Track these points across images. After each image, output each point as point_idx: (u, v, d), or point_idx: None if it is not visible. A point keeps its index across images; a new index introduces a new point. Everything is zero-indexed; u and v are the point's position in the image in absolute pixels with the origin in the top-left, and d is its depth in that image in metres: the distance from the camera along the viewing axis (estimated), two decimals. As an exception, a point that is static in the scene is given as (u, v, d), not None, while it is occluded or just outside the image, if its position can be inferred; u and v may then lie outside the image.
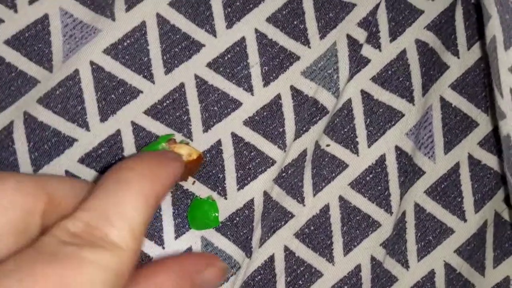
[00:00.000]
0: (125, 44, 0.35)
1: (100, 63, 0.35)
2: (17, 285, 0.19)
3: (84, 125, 0.35)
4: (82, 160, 0.35)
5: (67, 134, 0.35)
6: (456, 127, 0.39)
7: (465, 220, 0.39)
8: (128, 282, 0.22)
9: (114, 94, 0.35)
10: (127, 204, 0.22)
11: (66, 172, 0.35)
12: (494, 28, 0.33)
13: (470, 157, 0.39)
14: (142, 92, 0.35)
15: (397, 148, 0.38)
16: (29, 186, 0.23)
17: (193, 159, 0.33)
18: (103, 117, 0.35)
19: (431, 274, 0.38)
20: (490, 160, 0.40)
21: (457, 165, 0.39)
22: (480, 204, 0.39)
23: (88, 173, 0.35)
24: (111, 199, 0.23)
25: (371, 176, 0.38)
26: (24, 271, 0.20)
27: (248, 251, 0.36)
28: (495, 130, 0.40)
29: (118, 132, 0.35)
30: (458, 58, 0.40)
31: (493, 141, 0.40)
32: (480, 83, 0.40)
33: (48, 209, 0.23)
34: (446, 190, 0.39)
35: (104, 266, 0.21)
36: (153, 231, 0.35)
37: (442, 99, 0.39)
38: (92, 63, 0.35)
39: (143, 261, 0.35)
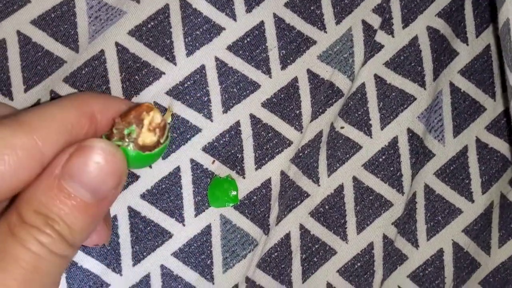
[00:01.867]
0: (149, 26, 0.36)
1: (125, 44, 0.36)
2: None
3: (108, 104, 0.36)
4: (105, 139, 0.36)
5: (91, 113, 0.35)
6: (465, 111, 0.41)
7: (473, 201, 0.40)
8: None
9: (137, 75, 0.36)
10: None
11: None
12: (508, 11, 0.34)
13: (478, 140, 0.41)
14: (164, 73, 0.36)
15: (409, 131, 0.39)
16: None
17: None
18: (127, 97, 0.36)
19: (440, 252, 0.40)
20: (496, 143, 0.41)
21: (465, 148, 0.41)
22: (487, 185, 0.40)
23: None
24: None
25: (383, 157, 0.39)
26: None
27: (265, 228, 0.37)
28: (503, 114, 0.41)
29: (140, 112, 0.36)
30: (467, 45, 0.41)
31: (500, 126, 0.41)
32: (488, 70, 0.41)
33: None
34: (454, 172, 0.40)
35: None
36: (174, 209, 0.36)
37: (451, 84, 0.41)
38: (117, 44, 0.36)
39: (164, 238, 0.36)
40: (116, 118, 0.27)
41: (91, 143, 0.24)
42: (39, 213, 0.23)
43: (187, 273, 0.36)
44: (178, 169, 0.36)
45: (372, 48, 0.39)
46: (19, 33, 0.35)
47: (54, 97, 0.35)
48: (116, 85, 0.36)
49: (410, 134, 0.39)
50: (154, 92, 0.36)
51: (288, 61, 0.38)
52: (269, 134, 0.37)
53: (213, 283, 0.36)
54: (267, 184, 0.37)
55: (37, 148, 0.23)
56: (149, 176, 0.36)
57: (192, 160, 0.36)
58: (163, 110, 0.36)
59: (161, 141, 0.28)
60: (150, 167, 0.36)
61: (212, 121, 0.37)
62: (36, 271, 0.22)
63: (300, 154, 0.38)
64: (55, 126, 0.24)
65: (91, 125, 0.26)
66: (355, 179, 0.39)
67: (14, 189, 0.23)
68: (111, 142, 0.26)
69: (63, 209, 0.23)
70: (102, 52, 0.36)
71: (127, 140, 0.27)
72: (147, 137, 0.27)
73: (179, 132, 0.36)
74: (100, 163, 0.24)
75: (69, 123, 0.24)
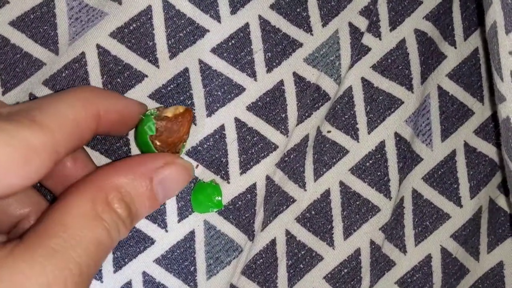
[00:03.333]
0: (131, 28, 0.35)
1: (107, 46, 0.35)
2: None
3: (89, 108, 0.35)
4: (87, 143, 0.34)
5: (72, 116, 0.34)
6: (453, 115, 0.40)
7: (461, 206, 0.39)
8: (85, 182, 0.25)
9: (119, 78, 0.35)
10: (62, 101, 0.25)
11: (71, 154, 0.34)
12: (495, 13, 0.34)
13: (466, 144, 0.40)
14: (147, 76, 0.35)
15: (397, 135, 0.38)
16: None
17: (180, 112, 0.33)
18: None
19: (428, 258, 0.39)
20: (485, 147, 0.40)
21: (454, 153, 0.40)
22: (475, 190, 0.40)
23: (93, 156, 0.34)
24: (52, 96, 0.26)
25: (371, 162, 0.38)
26: None
27: (250, 234, 0.36)
28: (491, 118, 0.40)
29: (122, 116, 0.35)
30: (455, 48, 0.40)
31: (488, 129, 0.40)
32: (476, 73, 0.40)
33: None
34: (442, 177, 0.39)
35: (21, 140, 0.23)
36: (156, 214, 0.35)
37: (439, 88, 0.40)
38: (98, 46, 0.35)
39: (146, 244, 0.34)
40: (184, 136, 0.33)
41: (181, 161, 0.28)
42: (125, 203, 0.25)
43: (170, 280, 0.35)
44: (161, 174, 0.35)
45: (359, 51, 0.38)
46: None
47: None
48: (97, 88, 0.35)
49: (398, 138, 0.38)
50: (136, 95, 0.35)
51: (274, 64, 0.37)
52: (254, 138, 0.36)
53: (197, 291, 0.35)
54: (252, 189, 0.36)
55: (55, 149, 0.24)
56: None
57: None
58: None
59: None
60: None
61: (195, 125, 0.36)
62: (106, 253, 0.25)
63: (286, 159, 0.37)
64: (69, 127, 0.24)
65: (96, 125, 0.26)
66: (342, 184, 0.38)
67: (31, 183, 0.24)
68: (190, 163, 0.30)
69: (145, 206, 0.26)
70: (82, 54, 0.34)
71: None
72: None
73: (162, 136, 0.35)
74: (183, 178, 0.28)
75: (80, 124, 0.25)
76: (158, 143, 0.32)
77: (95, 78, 0.35)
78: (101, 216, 0.24)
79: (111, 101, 0.28)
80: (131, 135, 0.35)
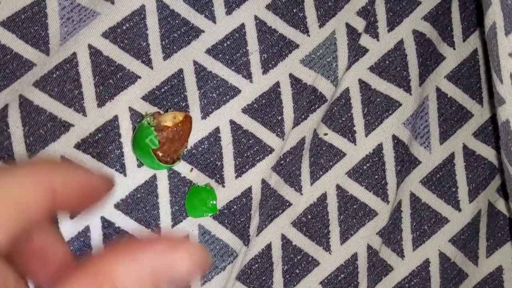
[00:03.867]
0: (124, 28, 0.34)
1: (99, 46, 0.34)
2: None
3: (81, 110, 0.34)
4: (78, 146, 0.34)
5: (63, 118, 0.33)
6: (452, 117, 0.39)
7: (460, 210, 0.39)
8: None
9: (112, 79, 0.34)
10: None
11: (62, 157, 0.33)
12: (494, 14, 0.33)
13: (465, 147, 0.39)
14: (140, 77, 0.34)
15: (394, 137, 0.38)
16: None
17: (180, 120, 0.32)
18: (101, 102, 0.34)
19: (426, 263, 0.38)
20: (484, 150, 0.39)
21: (452, 155, 0.39)
22: (474, 194, 0.39)
23: (85, 159, 0.34)
24: None
25: (368, 165, 0.37)
26: None
27: (245, 239, 0.35)
28: (490, 120, 0.40)
29: (115, 118, 0.34)
30: (454, 49, 0.39)
31: (487, 132, 0.39)
32: (475, 75, 0.40)
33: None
34: (441, 180, 0.39)
35: None
36: (150, 219, 0.34)
37: (438, 90, 0.39)
38: (90, 46, 0.34)
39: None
40: (185, 143, 0.33)
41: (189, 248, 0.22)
42: None
43: (164, 286, 0.34)
44: (154, 177, 0.34)
45: (357, 52, 0.37)
46: None
47: (23, 102, 0.33)
48: (89, 90, 0.34)
49: (395, 141, 0.38)
50: (129, 97, 0.34)
51: (270, 65, 0.36)
52: (250, 141, 0.35)
53: (191, 297, 0.34)
54: (247, 193, 0.35)
55: None
56: (124, 185, 0.34)
57: (170, 168, 0.34)
58: (139, 116, 0.34)
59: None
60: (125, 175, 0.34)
61: (190, 128, 0.35)
62: None
63: (282, 162, 0.36)
64: (12, 210, 0.21)
65: (50, 204, 0.22)
66: (338, 187, 0.37)
67: None
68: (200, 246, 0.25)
69: None
70: (74, 55, 0.33)
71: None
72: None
73: (156, 139, 0.34)
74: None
75: (27, 205, 0.21)
76: (160, 154, 0.32)
77: (87, 79, 0.34)
78: None
79: (70, 175, 0.23)
80: (123, 138, 0.34)
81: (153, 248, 0.21)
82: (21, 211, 0.21)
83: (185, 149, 0.34)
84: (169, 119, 0.32)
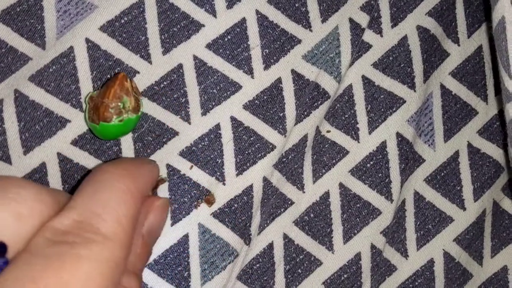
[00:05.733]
0: (123, 21, 0.32)
1: (96, 40, 0.32)
2: None
3: (78, 105, 0.32)
4: (75, 142, 0.32)
5: (60, 114, 0.32)
6: (456, 115, 0.37)
7: (464, 209, 0.37)
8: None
9: (110, 74, 0.32)
10: (111, 199, 0.22)
11: (59, 154, 0.32)
12: (503, 8, 0.31)
13: (470, 145, 0.37)
14: (138, 72, 0.32)
15: (398, 135, 0.36)
16: (47, 196, 0.22)
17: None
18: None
19: (430, 263, 0.36)
20: (489, 148, 0.38)
21: (457, 154, 0.37)
22: (479, 192, 0.37)
23: (82, 156, 0.32)
24: (95, 196, 0.22)
25: (371, 163, 0.35)
26: (23, 279, 0.19)
27: (246, 238, 0.33)
28: (495, 118, 0.38)
29: (113, 114, 0.32)
30: (459, 45, 0.37)
31: (493, 130, 0.38)
32: (480, 72, 0.38)
33: None
34: (445, 179, 0.37)
35: (98, 259, 0.20)
36: (149, 217, 0.32)
37: (442, 87, 0.37)
38: (87, 40, 0.32)
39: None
40: (104, 99, 0.29)
41: (159, 202, 0.26)
42: (132, 273, 0.23)
43: (163, 286, 0.32)
44: (153, 175, 0.32)
45: (360, 48, 0.36)
46: None
47: (18, 97, 0.31)
48: (86, 85, 0.32)
49: (399, 139, 0.36)
50: (128, 93, 0.32)
51: (272, 60, 0.34)
52: (251, 138, 0.34)
53: (190, 297, 0.32)
54: (248, 191, 0.33)
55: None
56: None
57: (168, 166, 0.32)
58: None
59: (140, 98, 0.31)
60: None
61: (190, 124, 0.33)
62: None
63: (284, 159, 0.34)
64: (130, 225, 0.23)
65: (20, 226, 0.22)
66: (341, 185, 0.35)
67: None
68: (165, 197, 0.28)
69: (145, 262, 0.25)
70: (71, 49, 0.32)
71: (124, 112, 0.30)
72: (133, 100, 0.30)
73: (154, 136, 0.32)
74: (164, 217, 0.26)
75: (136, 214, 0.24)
76: (94, 118, 0.30)
77: (84, 73, 0.32)
78: None
79: (146, 172, 0.26)
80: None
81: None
82: (134, 225, 0.23)
83: (119, 102, 0.30)
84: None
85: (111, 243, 0.21)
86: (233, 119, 0.33)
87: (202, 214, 0.33)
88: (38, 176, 0.31)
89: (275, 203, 0.34)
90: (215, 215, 0.33)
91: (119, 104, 0.30)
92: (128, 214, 0.23)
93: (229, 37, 0.34)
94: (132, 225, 0.23)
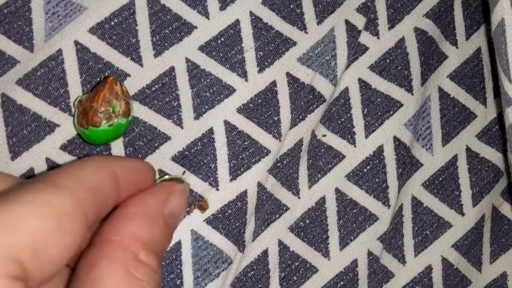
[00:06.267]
0: (112, 23, 0.31)
1: (86, 43, 0.31)
2: None
3: (67, 109, 0.31)
4: (64, 147, 0.31)
5: (48, 118, 0.30)
6: (454, 118, 0.36)
7: (463, 214, 0.36)
8: (109, 244, 0.22)
9: (99, 77, 0.31)
10: (82, 166, 0.22)
11: (47, 159, 0.30)
12: (503, 10, 0.30)
13: (468, 149, 0.36)
14: (129, 75, 0.31)
15: (396, 139, 0.35)
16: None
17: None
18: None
19: (428, 269, 0.35)
20: (488, 153, 0.37)
21: (455, 158, 0.36)
22: (478, 197, 0.36)
23: (70, 161, 0.31)
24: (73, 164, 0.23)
25: (368, 167, 0.34)
26: None
27: (240, 245, 0.32)
28: (494, 122, 0.37)
29: (103, 118, 0.31)
30: (457, 48, 0.36)
31: (491, 134, 0.37)
32: (479, 74, 0.37)
33: None
34: (443, 183, 0.36)
35: (39, 203, 0.20)
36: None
37: (440, 90, 0.36)
38: (76, 43, 0.31)
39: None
40: (93, 104, 0.29)
41: (179, 187, 0.25)
42: (153, 252, 0.23)
43: (155, 295, 0.31)
44: (144, 180, 0.31)
45: (356, 50, 0.35)
46: None
47: (5, 101, 0.30)
48: (75, 88, 0.31)
49: (397, 143, 0.35)
50: (118, 96, 0.31)
51: (266, 63, 0.33)
52: (245, 143, 0.32)
53: (183, 306, 0.31)
54: (242, 196, 0.32)
55: (85, 213, 0.21)
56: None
57: (160, 171, 0.31)
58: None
59: (130, 102, 0.30)
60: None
61: (182, 128, 0.32)
62: None
63: (279, 164, 0.33)
64: (94, 191, 0.22)
65: (116, 188, 0.23)
66: (337, 191, 0.34)
67: (71, 254, 0.20)
68: (184, 183, 0.26)
69: (166, 244, 0.24)
70: (59, 51, 0.31)
71: (114, 116, 0.29)
72: (123, 105, 0.29)
73: (146, 140, 0.31)
74: (185, 201, 0.25)
75: (103, 188, 0.22)
76: (82, 123, 0.30)
77: (73, 77, 0.31)
78: (137, 276, 0.22)
79: (125, 163, 0.25)
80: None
81: (158, 199, 0.24)
82: (100, 191, 0.22)
83: (108, 106, 0.30)
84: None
85: (69, 197, 0.20)
86: (226, 123, 0.32)
87: (195, 220, 0.32)
88: (26, 182, 0.30)
89: (269, 209, 0.33)
90: (208, 221, 0.32)
91: (109, 108, 0.29)
92: (95, 178, 0.22)
93: (222, 39, 0.32)
94: (99, 192, 0.22)
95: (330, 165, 0.34)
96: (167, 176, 0.29)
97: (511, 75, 0.30)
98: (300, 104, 0.33)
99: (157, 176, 0.31)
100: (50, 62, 0.30)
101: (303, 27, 0.34)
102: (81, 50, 0.31)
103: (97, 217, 0.22)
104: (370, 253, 0.34)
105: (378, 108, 0.35)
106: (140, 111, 0.31)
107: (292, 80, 0.33)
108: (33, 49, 0.30)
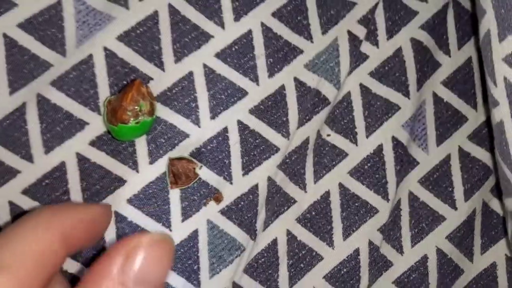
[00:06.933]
0: (138, 32, 0.34)
1: (114, 49, 0.34)
2: None
3: (96, 108, 0.33)
4: (93, 143, 0.33)
5: (79, 117, 0.33)
6: (448, 121, 0.39)
7: (456, 209, 0.38)
8: None
9: (125, 80, 0.34)
10: (19, 233, 0.20)
11: (77, 154, 0.33)
12: (489, 22, 0.33)
13: (460, 149, 0.39)
14: (152, 79, 0.34)
15: (394, 139, 0.37)
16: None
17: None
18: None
19: (424, 259, 0.37)
20: (478, 152, 0.39)
21: (448, 157, 0.39)
22: (469, 193, 0.38)
23: (99, 156, 0.33)
24: (11, 230, 0.20)
25: (369, 165, 0.37)
26: None
27: (252, 234, 0.35)
28: (483, 124, 0.39)
29: (128, 117, 0.34)
30: (450, 57, 0.39)
31: (481, 135, 0.39)
32: (470, 81, 0.39)
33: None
34: (438, 180, 0.38)
35: None
36: (161, 214, 0.33)
37: (434, 95, 0.39)
38: (105, 48, 0.33)
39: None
40: (123, 103, 0.31)
41: (148, 240, 0.20)
42: None
43: (174, 279, 0.33)
44: (165, 174, 0.34)
45: (358, 58, 0.37)
46: (5, 36, 0.32)
47: (41, 100, 0.33)
48: (104, 90, 0.33)
49: (395, 142, 0.37)
50: (142, 98, 0.34)
51: (276, 69, 0.36)
52: (257, 141, 0.35)
53: (200, 289, 0.33)
54: (254, 190, 0.35)
55: None
56: (136, 181, 0.33)
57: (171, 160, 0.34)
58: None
59: (154, 102, 0.33)
60: (137, 171, 0.33)
61: (199, 127, 0.34)
62: None
63: (287, 161, 0.36)
64: (34, 261, 0.20)
65: (64, 247, 0.21)
66: (341, 186, 0.37)
67: None
68: (157, 232, 0.21)
69: None
70: (90, 56, 0.33)
71: (140, 114, 0.32)
72: (148, 104, 0.32)
73: (167, 138, 0.34)
74: (163, 257, 0.20)
75: (46, 253, 0.20)
76: (112, 120, 0.32)
77: (102, 79, 0.33)
78: None
79: (74, 216, 0.22)
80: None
81: (113, 262, 0.20)
82: (42, 258, 0.20)
83: (137, 107, 0.32)
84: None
85: (3, 276, 0.19)
86: (239, 122, 0.35)
87: (211, 211, 0.34)
88: (58, 174, 0.33)
89: (279, 201, 0.36)
90: (223, 212, 0.34)
91: (136, 107, 0.32)
92: (35, 246, 0.20)
93: (236, 47, 0.35)
94: (40, 260, 0.20)
95: (334, 162, 0.37)
96: (185, 155, 0.31)
97: (496, 80, 0.33)
98: (307, 106, 0.36)
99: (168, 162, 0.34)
100: (82, 65, 0.33)
101: (309, 37, 0.36)
102: (110, 55, 0.33)
103: (45, 281, 0.20)
104: (371, 243, 0.36)
105: (378, 111, 0.37)
106: (162, 111, 0.34)
107: (299, 84, 0.36)
108: (65, 54, 0.33)
